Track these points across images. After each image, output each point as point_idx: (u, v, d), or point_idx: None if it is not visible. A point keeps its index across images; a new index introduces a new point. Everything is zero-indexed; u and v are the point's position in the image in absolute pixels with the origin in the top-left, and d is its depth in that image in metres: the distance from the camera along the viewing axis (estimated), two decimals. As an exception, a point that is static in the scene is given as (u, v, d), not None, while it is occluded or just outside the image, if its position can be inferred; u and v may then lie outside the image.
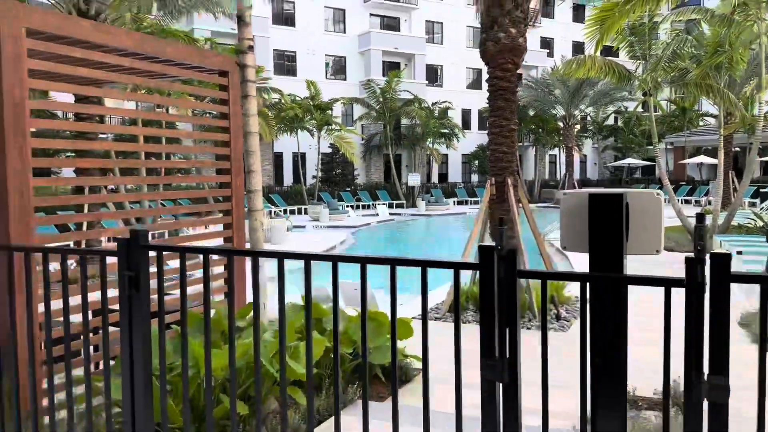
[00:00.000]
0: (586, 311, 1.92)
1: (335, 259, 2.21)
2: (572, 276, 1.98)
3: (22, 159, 3.72)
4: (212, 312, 4.24)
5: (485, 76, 8.31)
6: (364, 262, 2.14)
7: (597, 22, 9.74)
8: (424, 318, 2.15)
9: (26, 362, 3.12)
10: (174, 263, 4.47)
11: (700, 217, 1.77)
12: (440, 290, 9.02)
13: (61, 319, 2.91)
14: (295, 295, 5.55)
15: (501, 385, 2.00)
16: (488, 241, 8.43)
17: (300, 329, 4.72)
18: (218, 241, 5.75)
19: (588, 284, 1.92)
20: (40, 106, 4.13)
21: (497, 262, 1.93)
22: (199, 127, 11.24)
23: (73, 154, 18.51)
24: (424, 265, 2.08)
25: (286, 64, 36.70)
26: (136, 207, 13.28)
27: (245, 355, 3.77)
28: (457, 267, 2.04)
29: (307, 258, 2.23)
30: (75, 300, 3.15)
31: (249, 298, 5.07)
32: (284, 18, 36.61)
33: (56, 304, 3.17)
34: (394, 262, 2.12)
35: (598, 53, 15.29)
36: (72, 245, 8.97)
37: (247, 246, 5.23)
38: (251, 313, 4.64)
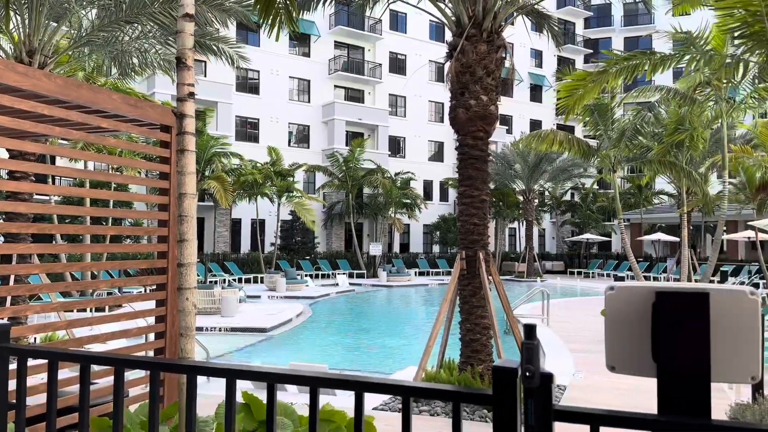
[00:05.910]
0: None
1: (271, 379, 1.50)
2: (636, 422, 1.29)
3: None
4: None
5: (448, 149, 7.97)
6: (314, 384, 1.44)
7: (569, 90, 9.58)
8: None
9: None
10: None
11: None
12: (402, 374, 8.22)
13: None
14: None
15: None
16: (454, 328, 7.72)
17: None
18: (151, 321, 4.90)
19: None
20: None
21: (523, 395, 1.25)
22: (152, 190, 10.43)
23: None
24: (407, 393, 1.38)
25: (248, 131, 36.37)
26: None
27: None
28: (457, 399, 1.34)
29: (230, 376, 1.51)
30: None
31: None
32: (248, 86, 36.57)
33: None
34: (362, 387, 1.42)
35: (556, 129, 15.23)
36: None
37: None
38: (176, 416, 3.77)
